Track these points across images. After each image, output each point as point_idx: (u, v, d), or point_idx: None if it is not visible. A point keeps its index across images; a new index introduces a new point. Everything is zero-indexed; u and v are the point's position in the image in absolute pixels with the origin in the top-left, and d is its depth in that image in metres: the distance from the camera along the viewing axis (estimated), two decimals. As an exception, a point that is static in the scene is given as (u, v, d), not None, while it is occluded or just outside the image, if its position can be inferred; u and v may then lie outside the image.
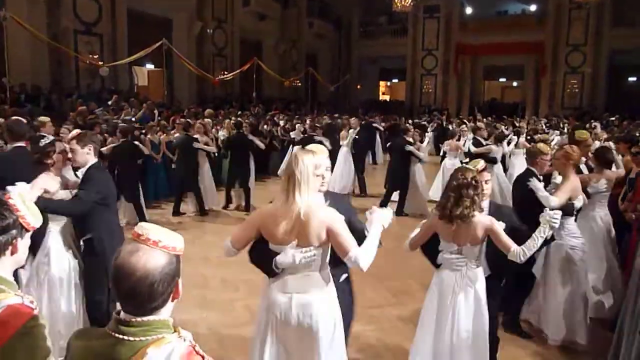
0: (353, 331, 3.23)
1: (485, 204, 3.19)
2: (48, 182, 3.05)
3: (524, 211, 3.55)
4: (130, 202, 7.55)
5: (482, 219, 2.98)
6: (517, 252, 2.90)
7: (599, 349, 3.83)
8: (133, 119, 11.37)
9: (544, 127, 15.08)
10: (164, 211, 8.83)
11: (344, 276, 2.87)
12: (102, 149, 6.82)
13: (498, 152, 8.67)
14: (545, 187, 4.10)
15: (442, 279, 3.12)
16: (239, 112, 15.66)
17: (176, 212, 8.45)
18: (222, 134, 10.82)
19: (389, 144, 10.56)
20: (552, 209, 3.16)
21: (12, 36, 11.82)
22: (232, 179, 9.09)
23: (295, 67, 25.47)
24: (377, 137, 15.38)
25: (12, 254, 1.57)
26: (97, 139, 3.86)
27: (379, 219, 2.55)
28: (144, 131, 9.43)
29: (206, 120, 11.05)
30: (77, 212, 3.49)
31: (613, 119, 18.88)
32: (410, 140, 8.82)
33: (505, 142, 8.98)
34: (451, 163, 9.27)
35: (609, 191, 4.74)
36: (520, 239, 2.95)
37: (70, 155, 3.61)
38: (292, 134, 11.50)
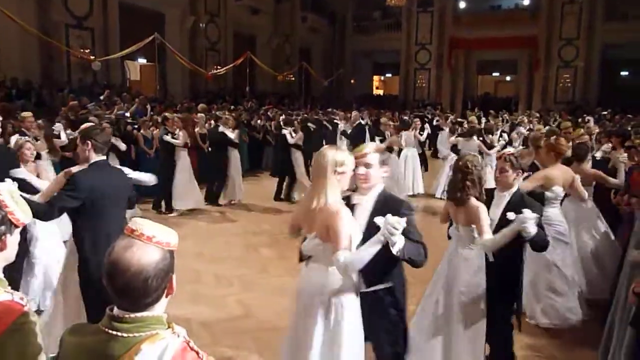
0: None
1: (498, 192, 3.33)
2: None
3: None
4: None
5: (473, 204, 3.12)
6: (484, 241, 3.01)
7: (591, 339, 3.86)
8: (127, 114, 11.30)
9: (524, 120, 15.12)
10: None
11: (381, 286, 2.74)
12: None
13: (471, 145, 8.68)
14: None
15: (448, 249, 3.39)
16: (232, 107, 15.59)
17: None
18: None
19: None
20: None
21: (2, 30, 11.70)
22: (208, 174, 9.19)
23: (289, 61, 25.38)
24: (367, 132, 15.26)
25: (0, 250, 1.55)
26: (97, 133, 3.29)
27: (386, 228, 2.35)
28: (136, 126, 9.37)
29: (199, 115, 10.99)
30: (41, 217, 3.02)
31: (605, 113, 19.00)
32: (387, 133, 9.59)
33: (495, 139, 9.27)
34: (409, 154, 10.23)
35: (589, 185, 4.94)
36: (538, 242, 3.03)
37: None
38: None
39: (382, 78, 34.95)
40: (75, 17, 15.07)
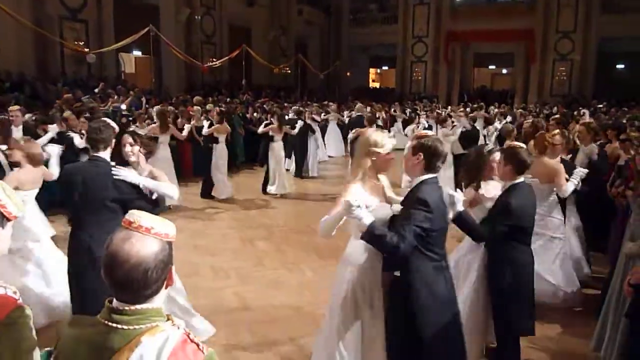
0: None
1: (494, 183, 3.49)
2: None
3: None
4: None
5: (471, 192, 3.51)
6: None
7: (585, 330, 3.89)
8: (122, 106, 11.24)
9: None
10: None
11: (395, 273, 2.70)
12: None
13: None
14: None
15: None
16: (228, 100, 15.53)
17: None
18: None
19: None
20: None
21: (-5, 22, 11.59)
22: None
23: (285, 54, 25.27)
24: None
25: None
26: (95, 129, 3.21)
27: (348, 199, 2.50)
28: (131, 118, 9.33)
29: (195, 107, 10.96)
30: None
31: (601, 106, 19.04)
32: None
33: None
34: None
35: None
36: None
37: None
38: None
39: (379, 71, 34.87)
40: (69, 10, 14.93)
